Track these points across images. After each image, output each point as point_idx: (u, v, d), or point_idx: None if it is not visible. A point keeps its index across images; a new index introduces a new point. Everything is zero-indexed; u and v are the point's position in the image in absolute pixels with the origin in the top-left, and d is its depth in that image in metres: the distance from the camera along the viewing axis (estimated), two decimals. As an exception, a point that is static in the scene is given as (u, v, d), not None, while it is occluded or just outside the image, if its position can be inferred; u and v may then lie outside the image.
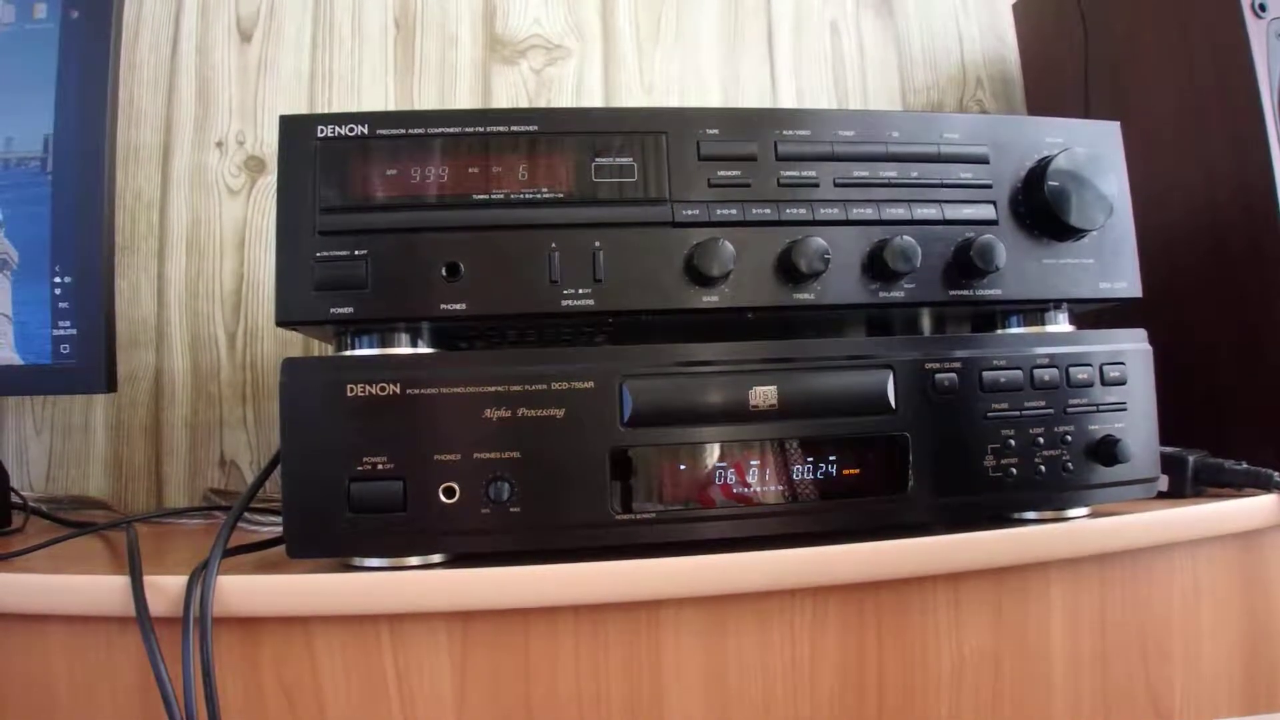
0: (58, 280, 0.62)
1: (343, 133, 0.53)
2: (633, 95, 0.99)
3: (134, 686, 0.51)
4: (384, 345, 0.55)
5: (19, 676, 0.52)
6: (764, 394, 0.54)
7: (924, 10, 1.09)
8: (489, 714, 0.52)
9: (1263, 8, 0.64)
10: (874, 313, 0.59)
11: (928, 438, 0.55)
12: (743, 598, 0.54)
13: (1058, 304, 0.59)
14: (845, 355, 0.55)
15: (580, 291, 0.53)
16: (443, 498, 0.51)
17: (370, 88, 0.96)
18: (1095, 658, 0.58)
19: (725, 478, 0.53)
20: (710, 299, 0.54)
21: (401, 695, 0.52)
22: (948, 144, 0.58)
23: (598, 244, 0.54)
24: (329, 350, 0.67)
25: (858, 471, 0.55)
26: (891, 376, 0.55)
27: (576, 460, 0.52)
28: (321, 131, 0.53)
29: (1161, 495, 0.62)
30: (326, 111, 0.85)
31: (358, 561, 0.53)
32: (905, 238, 0.55)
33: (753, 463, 0.54)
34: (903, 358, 0.55)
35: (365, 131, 0.53)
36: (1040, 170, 0.57)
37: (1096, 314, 0.63)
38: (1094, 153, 0.57)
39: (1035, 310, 0.60)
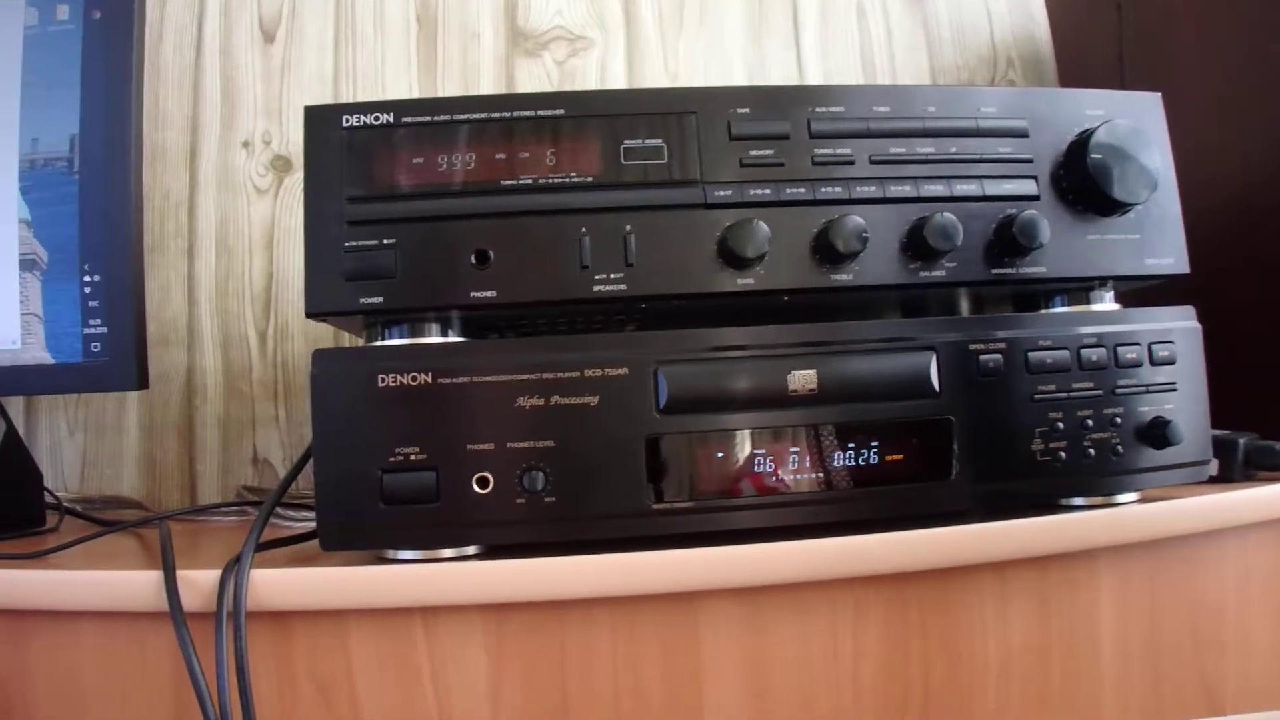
0: (87, 279, 0.61)
1: (368, 122, 0.51)
2: (657, 84, 0.96)
3: (167, 683, 0.49)
4: (414, 335, 0.53)
5: (50, 674, 0.50)
6: (803, 378, 0.51)
7: (952, -12, 1.06)
8: (525, 707, 0.50)
9: (1308, -25, 0.61)
10: (910, 294, 0.56)
11: (972, 421, 0.52)
12: (783, 589, 0.52)
13: (1103, 282, 0.56)
14: (886, 337, 0.52)
15: (612, 276, 0.51)
16: (476, 488, 0.49)
17: (393, 85, 0.94)
18: (1146, 648, 0.55)
19: (763, 465, 0.51)
20: (745, 282, 0.52)
21: (437, 688, 0.50)
22: (985, 118, 0.55)
23: (628, 228, 0.51)
24: (359, 344, 0.66)
25: (900, 458, 0.52)
26: (934, 359, 0.52)
27: (611, 449, 0.49)
28: (347, 121, 0.51)
29: (1210, 480, 0.59)
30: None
31: (391, 554, 0.51)
32: (946, 215, 0.52)
33: (792, 450, 0.51)
34: (945, 339, 0.53)
35: (391, 120, 0.51)
36: (1082, 143, 0.54)
37: (1139, 292, 0.60)
38: (1136, 125, 0.54)
39: (1080, 289, 0.57)
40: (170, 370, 0.89)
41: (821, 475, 0.51)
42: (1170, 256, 0.56)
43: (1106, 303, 0.57)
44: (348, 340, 0.86)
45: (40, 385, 0.64)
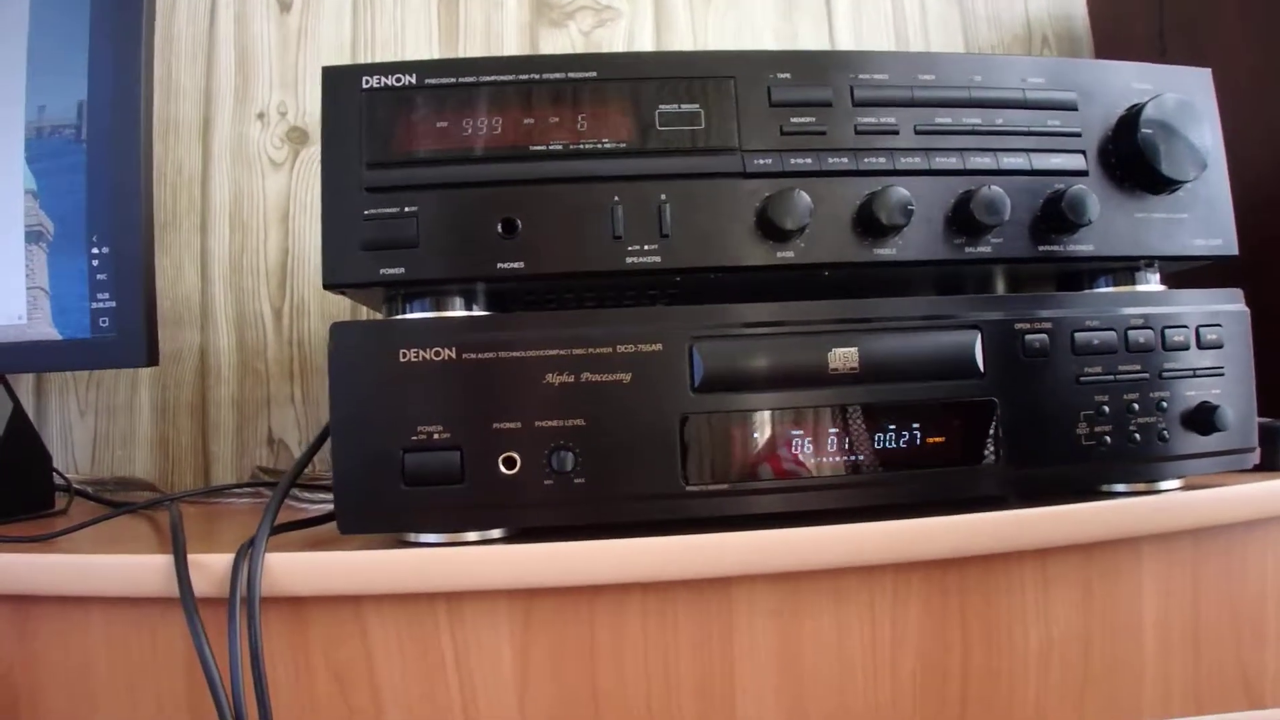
0: (95, 251, 0.57)
1: (389, 84, 0.48)
2: (688, 53, 0.92)
3: (180, 671, 0.46)
4: (437, 309, 0.49)
5: (58, 661, 0.47)
6: (845, 356, 0.48)
7: (987, -35, 1.02)
8: (552, 695, 0.47)
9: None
10: (948, 271, 0.53)
11: (1017, 403, 0.49)
12: (820, 574, 0.48)
13: (1149, 262, 0.53)
14: (931, 315, 0.49)
15: (646, 248, 0.48)
16: (503, 469, 0.46)
17: (414, 54, 0.90)
18: (1187, 638, 0.52)
19: (801, 447, 0.48)
20: (785, 255, 0.48)
21: (460, 676, 0.47)
22: (1032, 89, 0.51)
23: (663, 197, 0.48)
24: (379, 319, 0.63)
25: (941, 440, 0.49)
26: (979, 338, 0.49)
27: (644, 428, 0.46)
28: (366, 83, 0.48)
29: (1254, 469, 0.55)
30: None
31: (412, 537, 0.48)
32: (994, 188, 0.48)
33: (831, 430, 0.48)
34: (991, 318, 0.49)
35: (413, 81, 0.48)
36: (1132, 118, 0.51)
37: (1183, 274, 0.57)
38: (1187, 100, 0.51)
39: (1125, 269, 0.54)
40: (183, 349, 0.86)
41: (860, 458, 0.48)
42: (1219, 238, 0.53)
43: (1152, 284, 0.54)
44: (366, 315, 0.83)
45: (47, 362, 0.61)
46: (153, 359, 0.58)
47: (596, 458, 0.46)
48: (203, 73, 0.87)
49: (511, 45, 0.92)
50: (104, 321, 0.57)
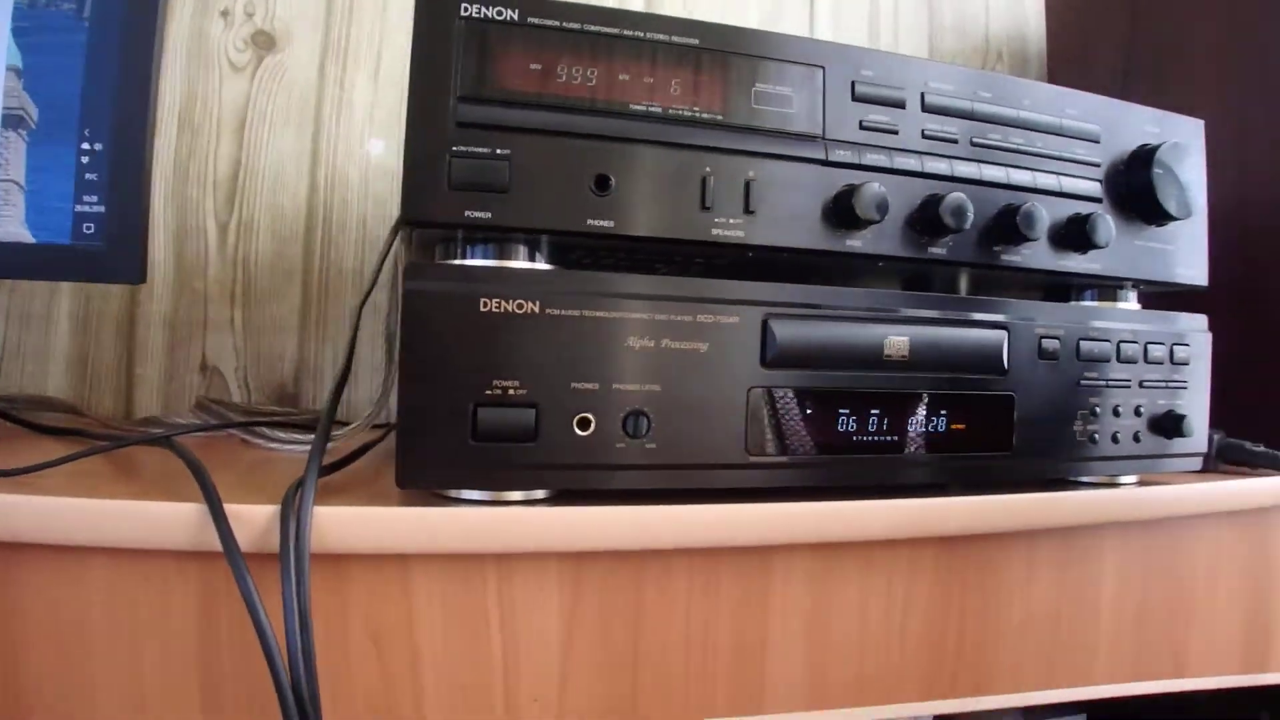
0: (86, 147, 0.49)
1: (490, 15, 0.45)
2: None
3: (191, 628, 0.42)
4: (500, 257, 0.47)
5: (48, 618, 0.42)
6: (898, 344, 0.50)
7: (957, -22, 1.06)
8: (596, 656, 0.47)
9: (1326, 25, 0.65)
10: (981, 272, 0.56)
11: (1029, 399, 0.53)
12: (849, 546, 0.51)
13: (1135, 283, 0.59)
14: (970, 312, 0.52)
15: (732, 221, 0.48)
16: (577, 429, 0.45)
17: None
18: (1134, 618, 0.59)
19: (851, 424, 0.50)
20: (854, 243, 0.50)
21: (504, 639, 0.46)
22: (1069, 118, 0.55)
23: (751, 174, 0.48)
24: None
25: (963, 427, 0.52)
26: (1007, 338, 0.53)
27: (716, 397, 0.47)
28: (465, 10, 0.44)
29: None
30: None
31: (454, 494, 0.46)
32: (1035, 204, 0.52)
33: (873, 412, 0.50)
34: (1018, 320, 0.53)
35: (515, 17, 0.45)
36: (1146, 156, 0.56)
37: (1152, 297, 0.63)
38: (1189, 147, 0.57)
39: (1113, 287, 0.59)
40: (106, 257, 0.76)
41: (899, 438, 0.51)
42: (1195, 269, 0.59)
43: (1131, 302, 0.60)
44: (368, 248, 0.77)
45: (13, 267, 0.52)
46: (142, 275, 0.51)
47: (668, 424, 0.46)
48: (164, -46, 0.77)
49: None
50: (89, 228, 0.50)
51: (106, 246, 0.50)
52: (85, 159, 0.50)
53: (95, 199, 0.50)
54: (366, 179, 0.84)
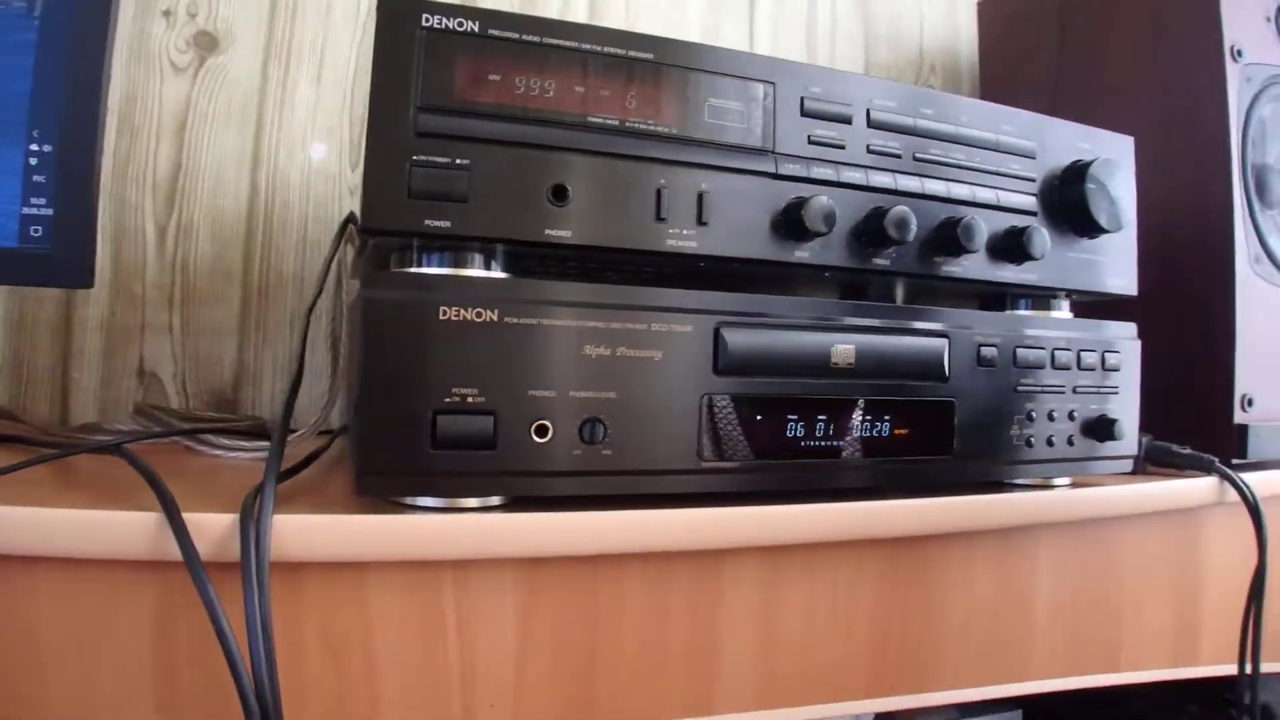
0: (34, 148, 0.48)
1: (451, 26, 0.45)
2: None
3: (145, 636, 0.42)
4: (455, 266, 0.47)
5: None
6: (844, 353, 0.52)
7: (894, -7, 1.10)
8: (552, 661, 0.48)
9: (1239, 53, 0.69)
10: (920, 281, 0.58)
11: (969, 405, 0.56)
12: (796, 548, 0.53)
13: (1068, 293, 0.62)
14: (913, 321, 0.54)
15: (685, 232, 0.49)
16: (534, 436, 0.45)
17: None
18: (1069, 613, 0.62)
19: (800, 430, 0.51)
20: (801, 254, 0.52)
21: (461, 644, 0.46)
22: (1005, 134, 0.58)
23: (704, 186, 0.49)
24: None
25: (906, 432, 0.55)
26: (948, 345, 0.55)
27: (670, 404, 0.48)
28: (426, 21, 0.45)
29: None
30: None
31: (408, 501, 0.46)
32: (975, 217, 0.54)
33: (820, 418, 0.52)
34: (958, 329, 0.56)
35: (476, 29, 0.46)
36: (1079, 171, 0.59)
37: (1084, 306, 0.67)
38: (1119, 163, 0.60)
39: (1046, 296, 0.62)
40: (38, 259, 0.74)
41: (842, 444, 0.52)
42: (1124, 278, 0.62)
43: (1064, 311, 0.63)
44: (309, 252, 0.76)
45: None
46: (89, 279, 0.51)
47: (623, 430, 0.47)
48: (104, -50, 0.75)
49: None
50: (35, 230, 0.49)
51: (53, 250, 0.49)
52: (34, 160, 0.48)
53: (43, 201, 0.49)
54: (308, 181, 0.83)
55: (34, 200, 0.48)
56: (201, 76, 0.78)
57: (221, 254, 0.78)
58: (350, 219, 0.66)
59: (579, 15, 0.92)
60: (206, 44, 0.78)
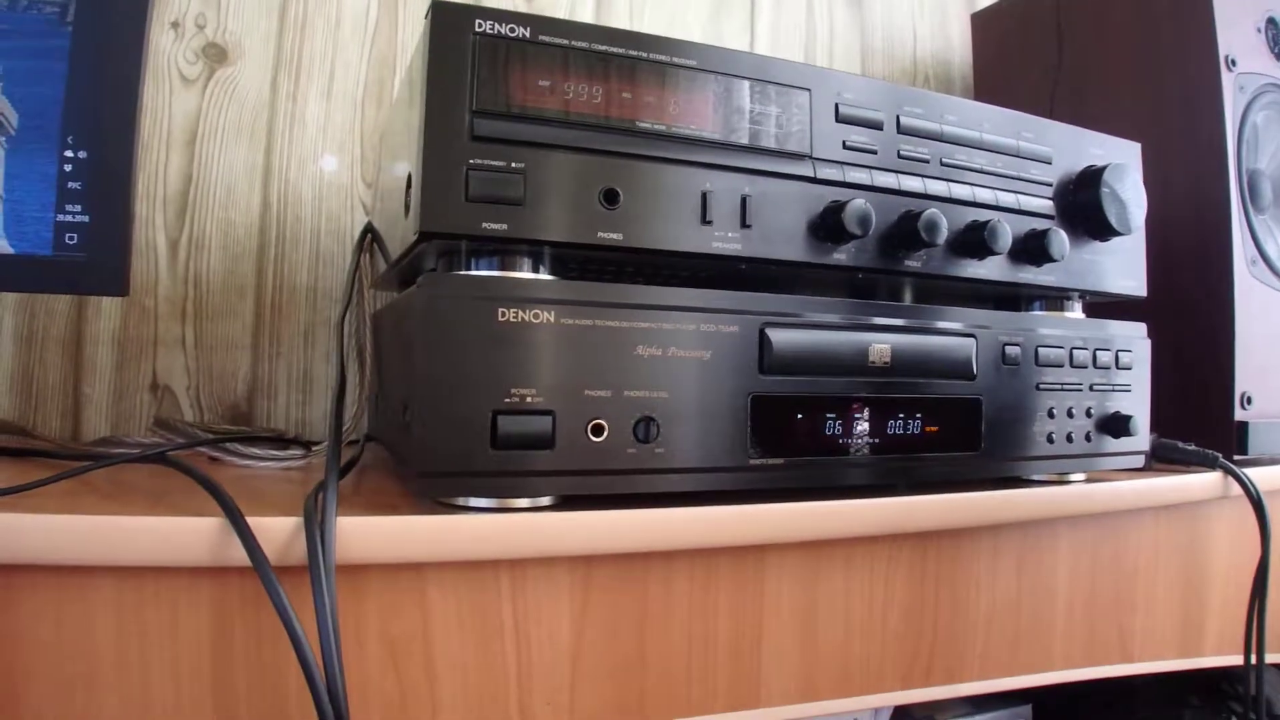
0: (69, 155, 0.48)
1: (503, 32, 0.46)
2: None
3: (205, 646, 0.42)
4: (503, 269, 0.49)
5: (52, 639, 0.41)
6: (881, 352, 0.54)
7: (888, 6, 1.13)
8: (605, 658, 0.49)
9: (1233, 62, 0.73)
10: (945, 284, 0.61)
11: (994, 402, 0.58)
12: (836, 543, 0.55)
13: (1083, 294, 0.65)
14: (942, 321, 0.57)
15: (730, 235, 0.51)
16: (591, 436, 0.46)
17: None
18: (1085, 605, 0.64)
19: (839, 427, 0.53)
20: (839, 256, 0.54)
21: (518, 642, 0.47)
22: (1025, 140, 0.61)
23: (747, 190, 0.51)
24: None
25: (936, 429, 0.57)
26: (975, 345, 0.57)
27: (719, 403, 0.49)
28: (479, 26, 0.46)
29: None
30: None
31: (460, 502, 0.47)
32: (1000, 220, 0.57)
33: (857, 415, 0.54)
34: (983, 328, 0.58)
35: (527, 35, 0.47)
36: (1094, 176, 0.61)
37: (1090, 307, 0.69)
38: (1131, 168, 0.63)
39: (1059, 297, 0.65)
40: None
41: (883, 441, 0.54)
42: (1134, 280, 0.65)
43: (1077, 312, 0.66)
44: (322, 264, 0.76)
45: None
46: (125, 287, 0.51)
47: (675, 429, 0.48)
48: (118, -39, 0.75)
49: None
50: (71, 238, 0.49)
51: (89, 258, 0.49)
52: (68, 167, 0.49)
53: (79, 209, 0.49)
54: (320, 195, 0.83)
55: (69, 207, 0.48)
56: (211, 89, 0.78)
57: (234, 267, 0.78)
58: (369, 230, 0.67)
59: (585, 15, 0.94)
60: (215, 56, 0.78)
